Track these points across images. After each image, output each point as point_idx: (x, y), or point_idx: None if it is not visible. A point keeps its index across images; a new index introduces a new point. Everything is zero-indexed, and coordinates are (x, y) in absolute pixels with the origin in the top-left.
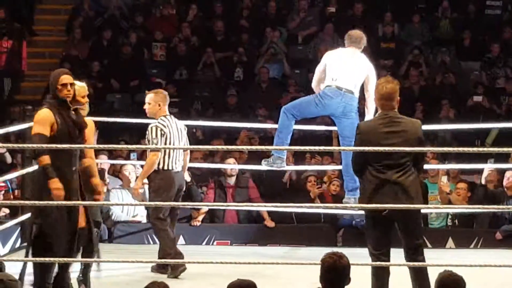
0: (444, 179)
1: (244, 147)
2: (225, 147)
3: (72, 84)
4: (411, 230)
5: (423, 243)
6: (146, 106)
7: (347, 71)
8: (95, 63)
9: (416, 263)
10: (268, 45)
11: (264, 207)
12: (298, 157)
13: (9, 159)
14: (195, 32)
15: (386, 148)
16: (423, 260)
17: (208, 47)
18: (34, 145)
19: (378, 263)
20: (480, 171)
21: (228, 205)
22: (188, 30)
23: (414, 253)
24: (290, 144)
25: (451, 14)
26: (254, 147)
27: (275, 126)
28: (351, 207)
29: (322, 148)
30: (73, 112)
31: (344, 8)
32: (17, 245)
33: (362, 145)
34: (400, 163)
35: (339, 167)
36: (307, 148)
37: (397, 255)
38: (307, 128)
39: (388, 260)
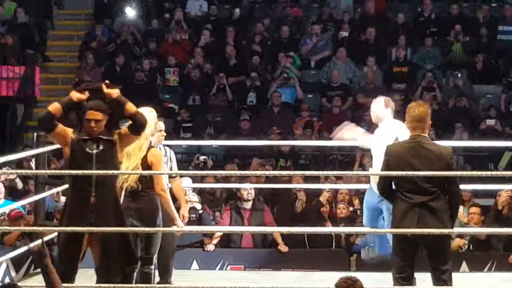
0: (460, 208)
1: (257, 172)
2: (238, 172)
3: (97, 121)
4: (437, 254)
5: (450, 268)
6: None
7: None
8: None
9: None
10: (281, 69)
11: (299, 231)
12: (311, 181)
13: (20, 185)
14: (207, 57)
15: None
16: (450, 285)
17: (220, 72)
18: (47, 172)
19: (397, 287)
20: (493, 194)
21: (245, 229)
22: (200, 55)
23: (440, 279)
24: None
25: (463, 38)
26: (266, 172)
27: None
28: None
29: (338, 172)
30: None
31: (356, 33)
32: (31, 270)
33: (388, 168)
34: (425, 188)
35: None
36: (331, 172)
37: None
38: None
39: (410, 284)
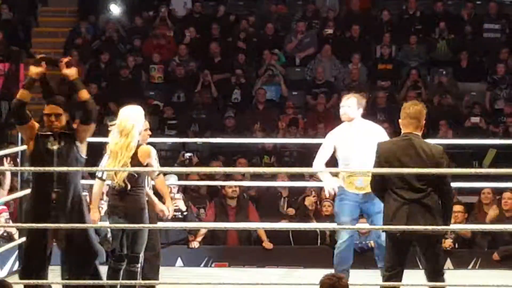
0: None
1: (242, 169)
2: (223, 169)
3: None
4: (429, 252)
5: (442, 265)
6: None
7: None
8: (92, 86)
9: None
10: (265, 66)
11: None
12: (295, 178)
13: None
14: (192, 54)
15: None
16: (442, 282)
17: (205, 69)
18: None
19: (386, 283)
20: (477, 192)
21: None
22: (185, 52)
23: (432, 276)
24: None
25: (448, 36)
26: (251, 169)
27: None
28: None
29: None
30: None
31: (341, 30)
32: (15, 268)
33: (378, 166)
34: (415, 186)
35: None
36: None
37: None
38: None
39: (398, 281)
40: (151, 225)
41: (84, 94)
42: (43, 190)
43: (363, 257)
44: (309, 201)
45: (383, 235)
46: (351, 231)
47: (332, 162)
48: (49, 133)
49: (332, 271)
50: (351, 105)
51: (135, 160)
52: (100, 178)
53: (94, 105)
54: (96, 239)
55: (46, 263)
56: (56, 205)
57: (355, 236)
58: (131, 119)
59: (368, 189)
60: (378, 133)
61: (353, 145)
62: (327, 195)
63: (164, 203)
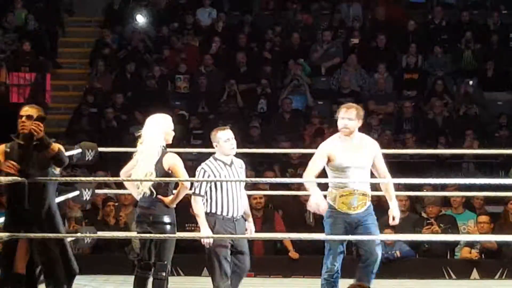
0: (471, 223)
1: (269, 179)
2: (253, 179)
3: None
4: None
5: None
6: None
7: None
8: (118, 96)
9: None
10: (291, 76)
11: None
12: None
13: None
14: (218, 64)
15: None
16: None
17: (231, 79)
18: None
19: None
20: (503, 201)
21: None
22: (211, 62)
23: None
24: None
25: (474, 45)
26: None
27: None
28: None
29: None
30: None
31: (367, 40)
32: None
33: None
34: None
35: None
36: None
37: None
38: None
39: None
40: (172, 235)
41: (54, 147)
42: (16, 202)
43: (388, 267)
44: None
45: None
46: (339, 260)
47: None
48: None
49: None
50: (351, 117)
51: (160, 168)
52: (198, 194)
53: (64, 156)
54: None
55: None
56: (27, 216)
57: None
58: (157, 126)
59: (360, 209)
60: (374, 147)
61: (351, 160)
62: (311, 210)
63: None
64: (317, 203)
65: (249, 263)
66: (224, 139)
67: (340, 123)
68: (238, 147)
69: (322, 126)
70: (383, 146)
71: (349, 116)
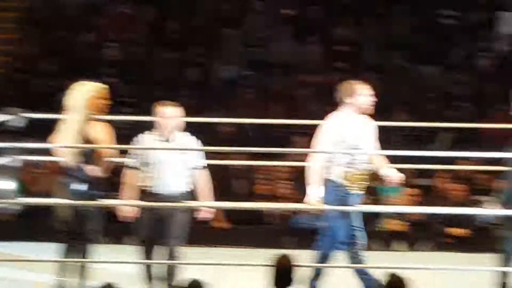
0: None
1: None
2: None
3: None
4: None
5: None
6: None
7: None
8: (47, 62)
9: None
10: (223, 46)
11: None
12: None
13: None
14: (149, 32)
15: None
16: None
17: (162, 47)
18: None
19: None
20: (431, 175)
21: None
22: (142, 30)
23: None
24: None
25: (406, 19)
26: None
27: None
28: None
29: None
30: None
31: (300, 11)
32: None
33: None
34: None
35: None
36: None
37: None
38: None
39: None
40: (97, 203)
41: None
42: None
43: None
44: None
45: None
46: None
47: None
48: None
49: (283, 251)
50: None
51: (85, 136)
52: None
53: None
54: None
55: None
56: None
57: None
58: (81, 94)
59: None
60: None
61: (363, 139)
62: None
63: None
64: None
65: (175, 234)
66: (164, 115)
67: (365, 100)
68: None
69: (253, 96)
70: (313, 117)
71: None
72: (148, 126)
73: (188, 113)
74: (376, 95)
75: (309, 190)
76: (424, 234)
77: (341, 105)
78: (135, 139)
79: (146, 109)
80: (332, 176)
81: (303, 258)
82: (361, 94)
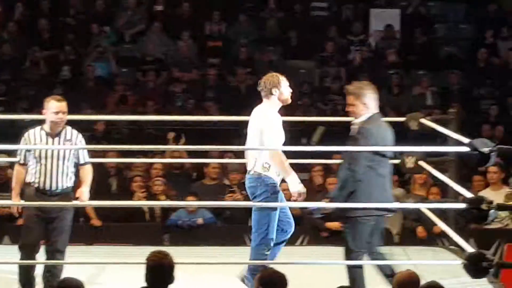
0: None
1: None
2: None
3: None
4: None
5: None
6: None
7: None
8: None
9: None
10: (95, 43)
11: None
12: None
13: None
14: (21, 31)
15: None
16: None
17: (34, 45)
18: None
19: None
20: (306, 168)
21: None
22: (14, 28)
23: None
24: None
25: (277, 14)
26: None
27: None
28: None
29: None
30: None
31: (171, 7)
32: None
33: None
34: None
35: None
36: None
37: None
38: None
39: None
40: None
41: None
42: None
43: (191, 234)
44: (139, 186)
45: None
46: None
47: None
48: None
49: (160, 248)
50: None
51: None
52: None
53: None
54: None
55: None
56: None
57: None
58: None
59: None
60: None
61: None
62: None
63: None
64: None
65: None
66: (53, 110)
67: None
68: (40, 113)
69: (126, 93)
70: (186, 113)
71: None
72: (18, 124)
73: None
74: (250, 90)
75: (290, 180)
76: (300, 229)
77: (268, 97)
78: (25, 134)
79: (18, 108)
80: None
81: (180, 255)
82: (284, 86)
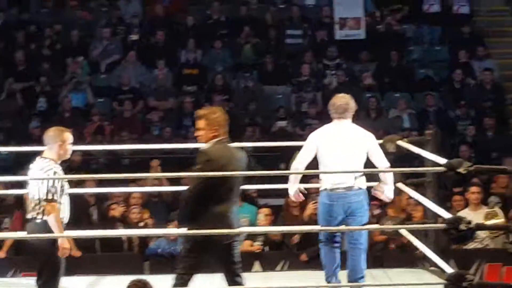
0: (261, 216)
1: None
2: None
3: None
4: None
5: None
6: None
7: (342, 161)
8: None
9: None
10: (71, 74)
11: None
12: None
13: None
14: None
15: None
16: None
17: (9, 77)
18: None
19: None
20: (282, 194)
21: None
22: None
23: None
24: None
25: (252, 40)
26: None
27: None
28: None
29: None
30: None
31: (146, 36)
32: None
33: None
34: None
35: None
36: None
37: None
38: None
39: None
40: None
41: None
42: None
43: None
44: (118, 211)
45: None
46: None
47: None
48: None
49: (140, 277)
50: None
51: None
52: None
53: None
54: None
55: None
56: None
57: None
58: None
59: None
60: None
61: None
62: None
63: None
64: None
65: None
66: (69, 142)
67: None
68: (17, 145)
69: (103, 123)
70: (163, 141)
71: None
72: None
73: (40, 142)
74: (227, 116)
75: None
76: (279, 254)
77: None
78: (51, 172)
79: None
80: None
81: (160, 284)
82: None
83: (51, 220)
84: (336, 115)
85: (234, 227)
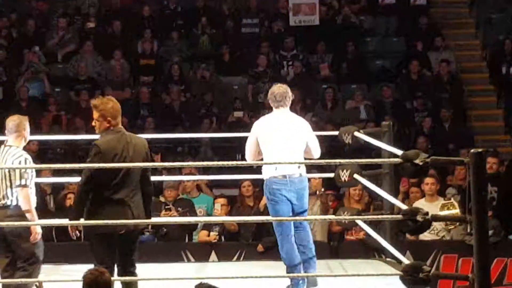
0: (218, 206)
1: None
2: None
3: None
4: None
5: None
6: None
7: (283, 148)
8: None
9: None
10: (27, 63)
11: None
12: (59, 174)
13: None
14: None
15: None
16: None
17: None
18: None
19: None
20: (237, 185)
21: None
22: None
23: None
24: None
25: (209, 30)
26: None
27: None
28: None
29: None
30: None
31: (102, 25)
32: None
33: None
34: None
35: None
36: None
37: None
38: None
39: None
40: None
41: None
42: None
43: None
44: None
45: None
46: None
47: None
48: None
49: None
50: None
51: None
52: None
53: None
54: None
55: None
56: None
57: None
58: None
59: None
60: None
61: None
62: None
63: None
64: None
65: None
66: (28, 130)
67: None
68: None
69: (60, 113)
70: None
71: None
72: None
73: None
74: (183, 107)
75: None
76: (235, 244)
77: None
78: (22, 158)
79: None
80: None
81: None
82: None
83: (24, 205)
84: (275, 103)
85: (130, 217)
